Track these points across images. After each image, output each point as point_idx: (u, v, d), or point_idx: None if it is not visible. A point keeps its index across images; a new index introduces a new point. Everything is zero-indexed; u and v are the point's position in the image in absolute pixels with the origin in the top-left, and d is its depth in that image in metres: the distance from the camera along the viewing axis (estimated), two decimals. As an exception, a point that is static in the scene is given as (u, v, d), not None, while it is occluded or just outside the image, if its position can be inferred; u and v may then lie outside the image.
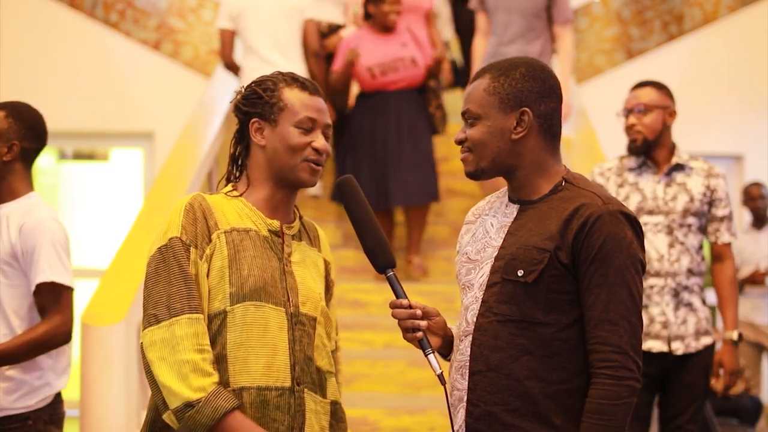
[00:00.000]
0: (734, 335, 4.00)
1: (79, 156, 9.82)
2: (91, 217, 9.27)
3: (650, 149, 4.06)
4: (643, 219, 4.00)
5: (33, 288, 3.20)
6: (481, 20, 6.18)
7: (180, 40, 9.04)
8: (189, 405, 2.24)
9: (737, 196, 8.03)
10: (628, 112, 4.09)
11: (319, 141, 2.44)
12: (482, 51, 6.13)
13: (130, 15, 8.99)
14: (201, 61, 9.02)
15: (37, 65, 8.83)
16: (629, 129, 4.08)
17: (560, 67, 6.02)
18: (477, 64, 6.14)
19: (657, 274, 3.99)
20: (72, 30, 8.94)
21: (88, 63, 8.94)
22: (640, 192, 4.05)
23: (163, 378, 2.27)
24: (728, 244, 4.08)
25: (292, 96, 2.44)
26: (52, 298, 3.21)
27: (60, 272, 3.21)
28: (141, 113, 8.92)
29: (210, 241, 2.38)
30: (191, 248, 2.36)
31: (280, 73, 2.51)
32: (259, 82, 2.49)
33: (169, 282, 2.33)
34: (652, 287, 3.99)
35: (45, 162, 9.35)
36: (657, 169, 4.07)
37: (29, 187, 3.35)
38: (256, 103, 2.46)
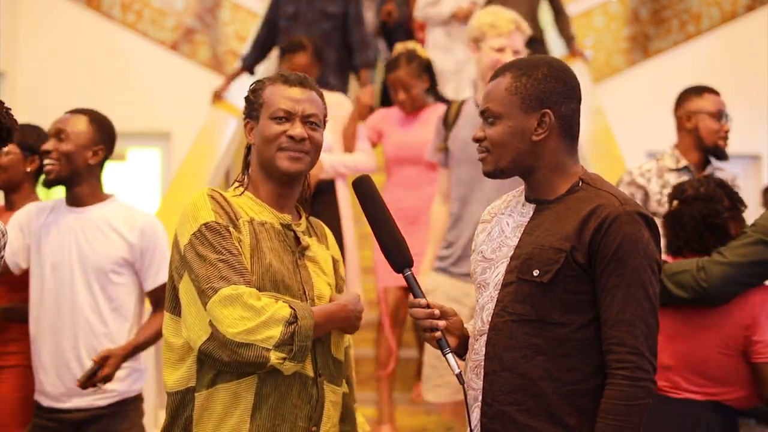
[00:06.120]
0: None
1: (96, 156, 9.88)
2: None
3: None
4: None
5: (157, 285, 3.42)
6: (443, 180, 4.26)
7: (197, 41, 9.07)
8: (292, 320, 2.28)
9: (756, 195, 7.99)
10: (722, 115, 4.04)
11: (295, 129, 2.45)
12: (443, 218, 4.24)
13: (147, 15, 9.03)
14: (218, 61, 9.05)
15: (53, 65, 8.87)
16: (724, 133, 4.05)
17: None
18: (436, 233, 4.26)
19: None
20: (89, 30, 8.99)
21: (104, 63, 8.98)
22: None
23: (249, 322, 2.25)
24: None
25: (271, 91, 2.50)
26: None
27: None
28: (158, 113, 8.96)
29: (237, 227, 2.39)
30: (230, 228, 2.36)
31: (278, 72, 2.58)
32: (252, 85, 2.56)
33: (217, 259, 2.31)
34: None
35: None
36: (696, 174, 4.07)
37: (104, 190, 3.50)
38: (247, 106, 2.54)
